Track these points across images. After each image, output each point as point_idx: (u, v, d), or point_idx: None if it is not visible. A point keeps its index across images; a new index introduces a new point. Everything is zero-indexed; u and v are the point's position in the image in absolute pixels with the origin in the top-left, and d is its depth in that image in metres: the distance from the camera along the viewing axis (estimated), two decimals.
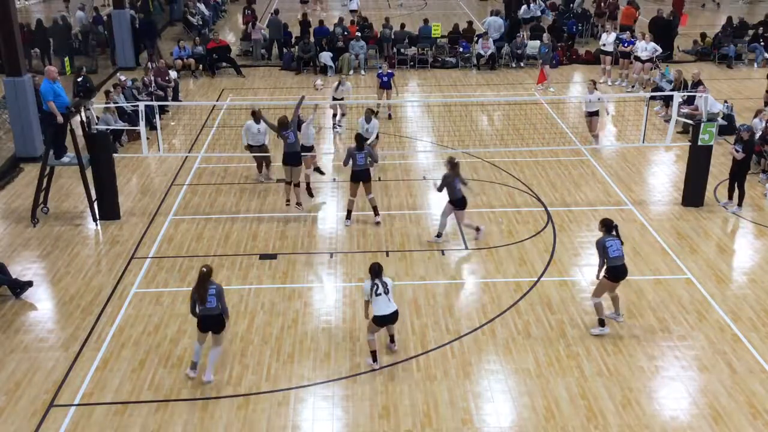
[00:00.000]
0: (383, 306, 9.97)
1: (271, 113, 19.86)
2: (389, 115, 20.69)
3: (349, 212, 14.45)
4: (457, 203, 13.39)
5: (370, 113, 16.42)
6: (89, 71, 25.06)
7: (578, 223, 14.43)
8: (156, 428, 9.25)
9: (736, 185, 14.91)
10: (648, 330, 11.13)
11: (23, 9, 36.17)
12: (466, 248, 13.54)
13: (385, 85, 20.68)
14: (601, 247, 10.75)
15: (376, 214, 14.37)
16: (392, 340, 10.63)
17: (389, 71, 21.03)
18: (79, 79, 21.04)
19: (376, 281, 9.97)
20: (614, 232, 10.87)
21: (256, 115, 15.84)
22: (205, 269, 9.70)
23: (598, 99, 18.08)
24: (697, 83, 19.30)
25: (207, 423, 9.32)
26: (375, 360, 10.27)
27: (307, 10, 34.01)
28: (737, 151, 14.66)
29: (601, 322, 11.01)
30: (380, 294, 9.94)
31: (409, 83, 24.43)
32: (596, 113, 18.39)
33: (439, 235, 13.74)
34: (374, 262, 10.23)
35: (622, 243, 10.84)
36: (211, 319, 9.76)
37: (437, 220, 14.64)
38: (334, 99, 19.19)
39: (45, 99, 14.46)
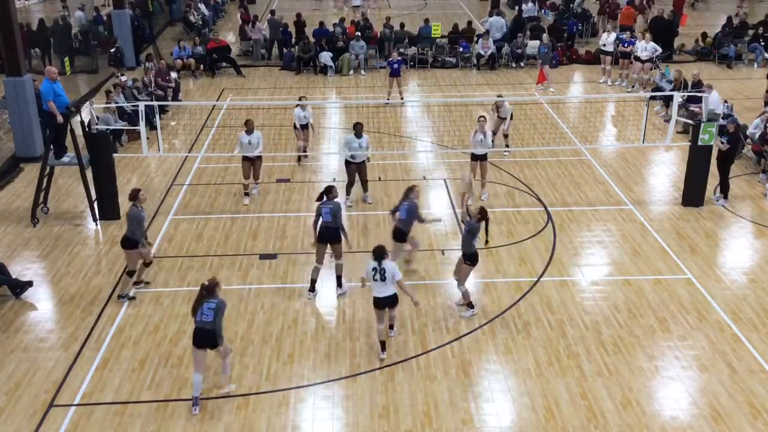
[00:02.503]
0: (378, 289, 10.25)
1: (270, 114, 19.95)
2: (401, 97, 21.67)
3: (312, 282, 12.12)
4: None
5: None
6: (90, 71, 25.17)
7: (578, 223, 14.43)
8: (156, 428, 9.25)
9: (720, 176, 15.06)
10: (648, 330, 11.13)
11: (23, 9, 36.18)
12: None
13: (395, 73, 21.50)
14: (474, 234, 11.20)
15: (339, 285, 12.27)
16: (390, 327, 10.86)
17: (399, 59, 21.76)
18: (112, 50, 24.78)
19: (375, 265, 10.20)
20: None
21: (249, 125, 15.06)
22: (207, 283, 9.37)
23: (482, 140, 14.73)
24: (697, 83, 19.31)
25: (207, 423, 9.32)
26: (383, 350, 10.49)
27: (345, 10, 34.26)
28: (722, 143, 14.88)
29: (471, 305, 11.50)
30: (377, 280, 10.20)
31: (409, 83, 24.43)
32: (485, 157, 14.98)
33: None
34: (379, 244, 10.39)
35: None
36: (203, 334, 9.27)
37: (437, 221, 14.63)
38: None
39: (45, 99, 14.46)
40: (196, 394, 9.49)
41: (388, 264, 10.19)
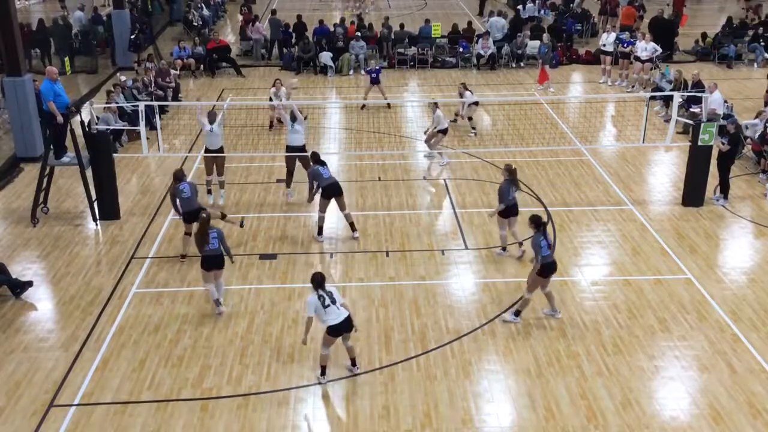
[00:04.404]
0: (333, 315, 9.58)
1: (270, 113, 19.91)
2: (388, 105, 21.46)
3: (320, 228, 13.80)
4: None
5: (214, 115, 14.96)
6: (90, 71, 25.18)
7: (578, 223, 14.42)
8: (156, 428, 9.25)
9: (719, 176, 15.06)
10: (648, 330, 11.13)
11: (23, 9, 36.17)
12: (466, 248, 13.54)
13: (375, 81, 21.46)
14: (537, 247, 10.87)
15: (353, 229, 13.83)
16: (354, 363, 10.15)
17: (377, 67, 21.89)
18: (132, 36, 25.71)
19: (321, 292, 9.59)
20: (543, 229, 10.98)
21: (212, 115, 14.87)
22: (204, 215, 11.18)
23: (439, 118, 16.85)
24: (697, 83, 19.30)
25: (207, 423, 9.33)
26: (323, 374, 9.96)
27: (353, 11, 34.37)
28: (723, 143, 14.86)
29: (518, 313, 11.25)
30: (328, 305, 9.56)
31: (409, 83, 24.44)
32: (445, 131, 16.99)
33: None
34: (316, 272, 9.85)
35: (551, 239, 11.18)
36: (215, 259, 11.17)
37: (437, 221, 14.66)
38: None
39: (45, 99, 14.46)
40: (215, 297, 11.46)
41: (331, 287, 9.75)
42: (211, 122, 14.74)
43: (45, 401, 9.70)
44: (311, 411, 9.52)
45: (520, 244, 13.08)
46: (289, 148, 15.09)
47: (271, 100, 18.63)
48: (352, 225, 13.83)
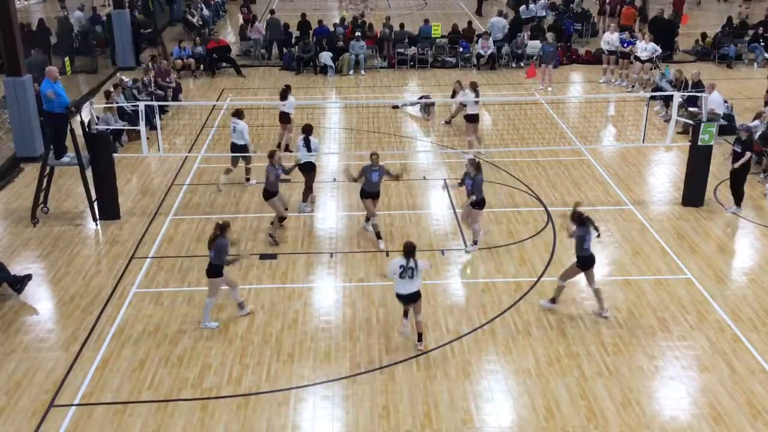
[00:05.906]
0: (402, 285, 10.26)
1: (270, 114, 19.94)
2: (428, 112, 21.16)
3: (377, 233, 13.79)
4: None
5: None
6: (89, 71, 25.17)
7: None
8: (156, 428, 9.25)
9: (735, 185, 14.93)
10: (648, 330, 11.13)
11: (23, 9, 36.17)
12: (467, 248, 13.54)
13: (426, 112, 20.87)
14: (579, 239, 11.17)
15: (379, 238, 13.64)
16: (420, 338, 10.63)
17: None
18: (148, 30, 27.18)
19: (403, 262, 10.13)
20: (586, 225, 11.19)
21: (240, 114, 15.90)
22: (221, 222, 11.01)
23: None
24: (697, 83, 19.30)
25: (207, 423, 9.33)
26: (420, 340, 10.59)
27: (350, 9, 34.40)
28: (737, 151, 14.69)
29: (553, 300, 11.57)
30: (404, 277, 10.18)
31: (409, 83, 24.44)
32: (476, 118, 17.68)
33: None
34: (408, 241, 10.35)
35: (596, 231, 11.26)
36: (209, 266, 11.07)
37: (437, 221, 14.66)
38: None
39: (45, 99, 14.45)
40: (237, 300, 11.50)
41: (420, 262, 10.25)
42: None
43: (45, 401, 9.70)
44: (311, 411, 9.52)
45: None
46: (303, 165, 14.68)
47: (283, 116, 17.68)
48: (374, 226, 13.76)
